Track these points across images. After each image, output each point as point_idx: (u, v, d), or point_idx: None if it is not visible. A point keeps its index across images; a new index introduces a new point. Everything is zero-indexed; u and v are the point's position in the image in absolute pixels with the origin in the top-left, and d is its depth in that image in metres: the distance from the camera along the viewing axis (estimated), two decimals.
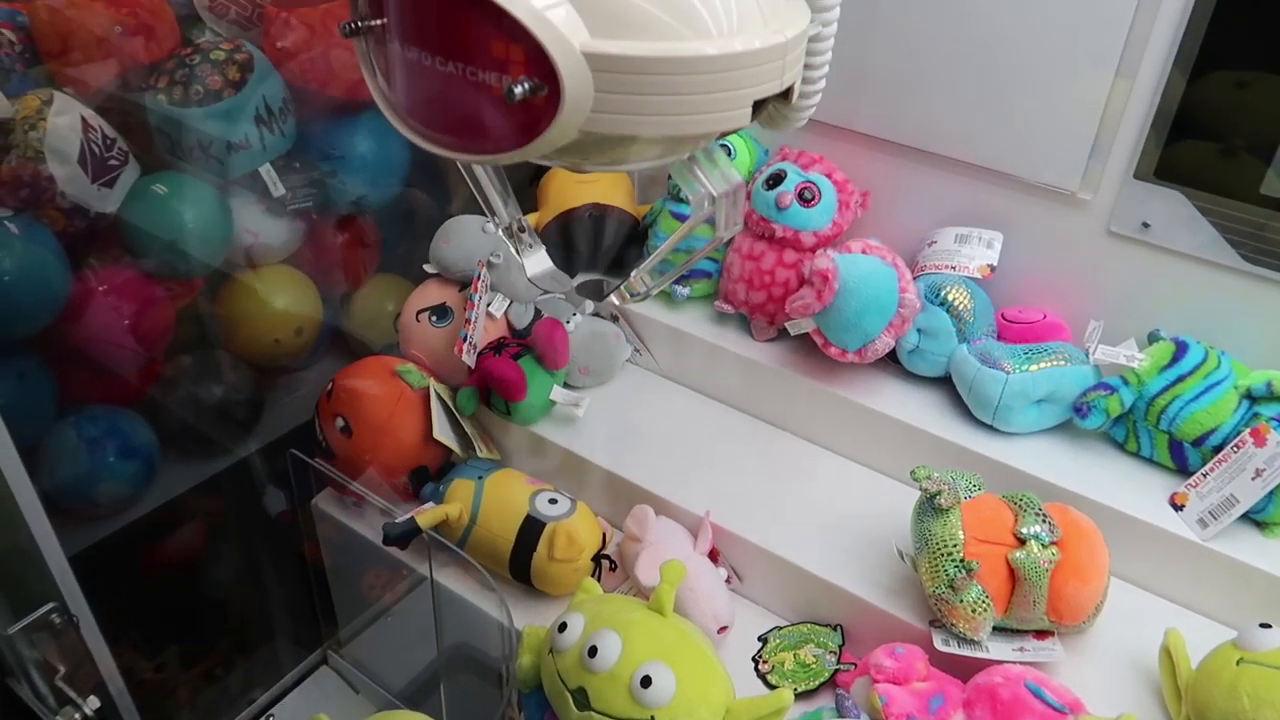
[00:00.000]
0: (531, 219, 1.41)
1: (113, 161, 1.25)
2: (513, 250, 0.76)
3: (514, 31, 0.48)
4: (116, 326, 1.29)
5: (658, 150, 0.58)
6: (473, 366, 1.26)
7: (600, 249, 1.39)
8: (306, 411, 1.36)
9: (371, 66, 0.59)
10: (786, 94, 0.58)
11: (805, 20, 0.58)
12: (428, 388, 1.28)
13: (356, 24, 0.56)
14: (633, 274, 0.74)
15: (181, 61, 1.28)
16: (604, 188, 1.38)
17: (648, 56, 0.50)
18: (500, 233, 0.75)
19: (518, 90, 0.48)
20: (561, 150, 0.53)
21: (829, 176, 1.26)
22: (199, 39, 1.38)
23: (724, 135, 0.59)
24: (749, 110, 0.55)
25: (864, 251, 1.16)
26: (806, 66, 0.60)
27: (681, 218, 1.33)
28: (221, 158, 1.30)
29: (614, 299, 0.76)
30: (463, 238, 1.34)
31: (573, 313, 1.35)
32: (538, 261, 0.77)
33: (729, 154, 1.36)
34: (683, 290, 1.35)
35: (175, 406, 1.37)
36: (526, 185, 1.50)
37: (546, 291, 1.38)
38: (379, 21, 0.55)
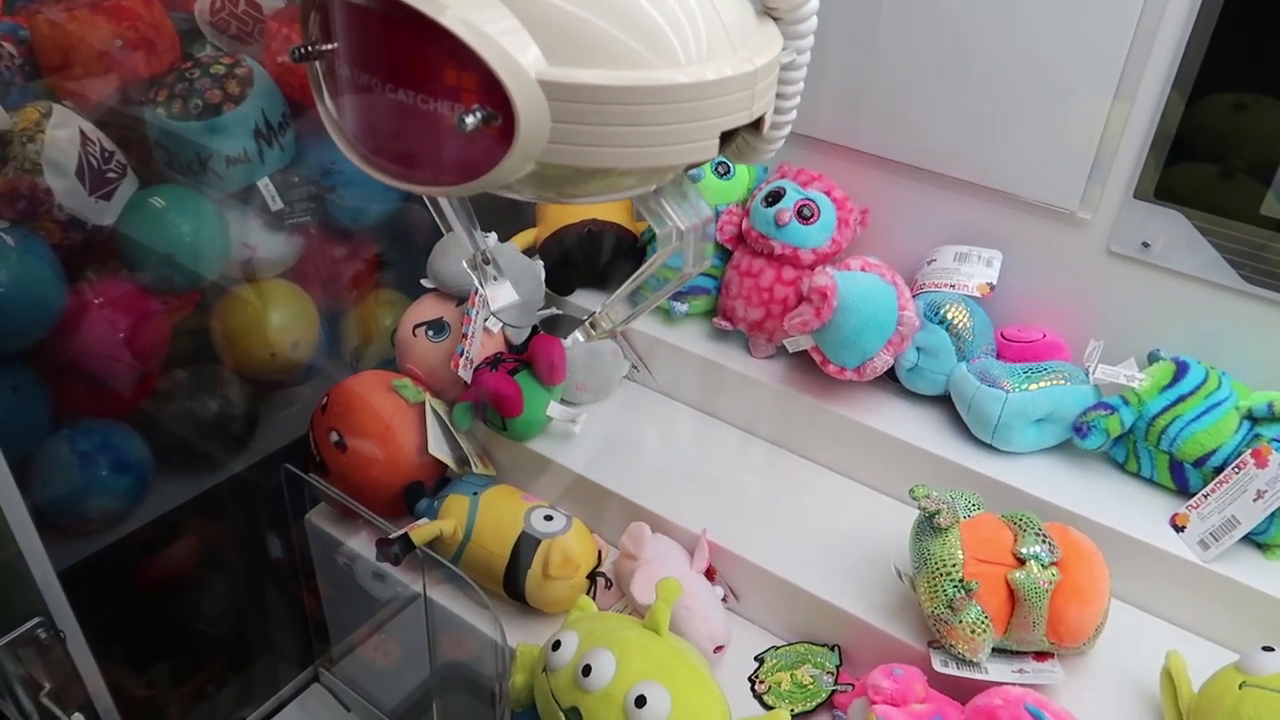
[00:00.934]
0: (529, 235, 1.41)
1: (111, 174, 1.24)
2: (476, 282, 0.73)
3: (465, 58, 0.45)
4: (112, 340, 1.28)
5: (623, 182, 0.55)
6: (469, 382, 1.25)
7: (597, 266, 1.39)
8: (302, 426, 1.36)
9: (321, 92, 0.57)
10: (757, 124, 0.56)
11: (777, 48, 0.55)
12: (423, 403, 1.27)
13: (308, 48, 0.53)
14: (598, 310, 0.71)
15: (181, 75, 1.28)
16: (602, 205, 1.38)
17: (608, 85, 0.48)
18: (464, 264, 0.73)
19: (469, 120, 0.46)
20: (520, 182, 0.51)
21: (828, 194, 1.26)
22: (199, 53, 1.38)
23: (690, 168, 0.57)
24: (716, 141, 0.52)
25: (863, 269, 1.16)
26: (778, 96, 0.57)
27: None
28: (220, 171, 1.30)
29: (579, 334, 0.73)
30: (460, 253, 1.33)
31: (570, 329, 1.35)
32: (503, 295, 0.74)
33: (728, 172, 1.36)
34: (681, 307, 1.35)
35: (170, 421, 1.37)
36: (526, 202, 1.50)
37: (546, 309, 1.39)
38: (330, 46, 0.53)
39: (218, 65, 1.30)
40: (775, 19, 0.57)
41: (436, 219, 0.68)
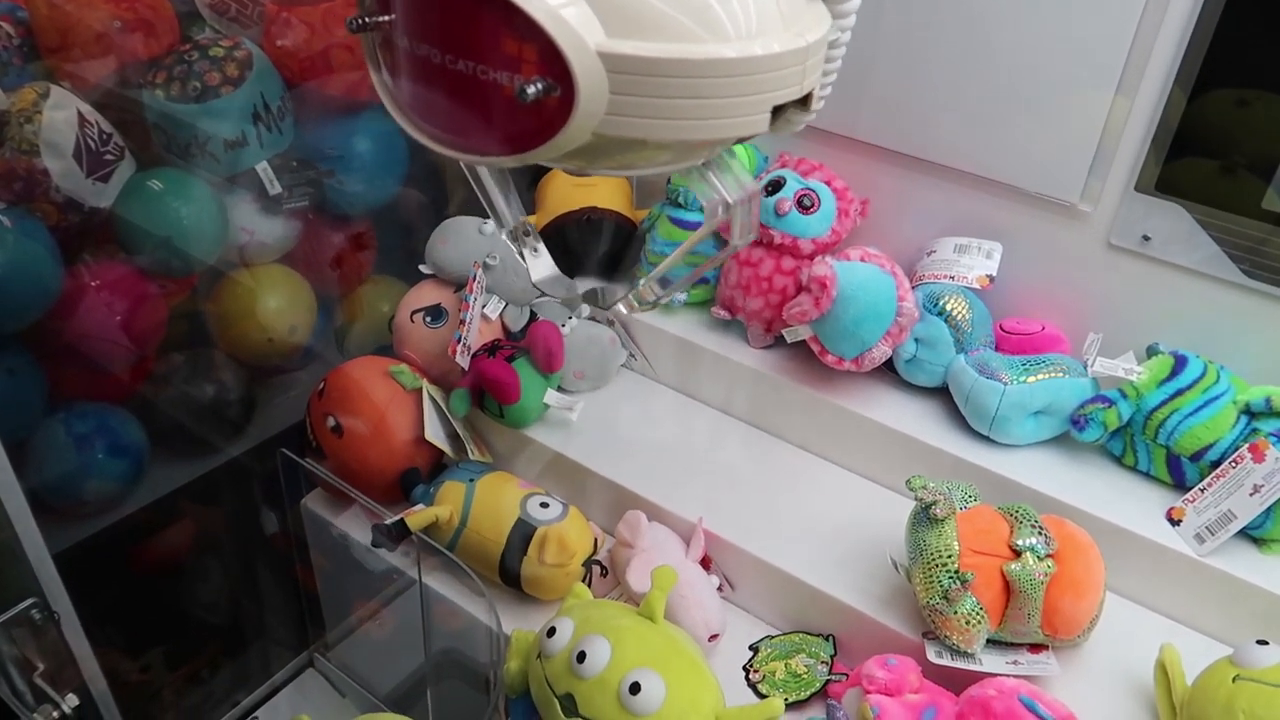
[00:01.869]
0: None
1: (108, 156, 1.24)
2: (516, 254, 0.74)
3: (527, 29, 0.46)
4: (108, 323, 1.28)
5: (670, 155, 0.56)
6: (466, 368, 1.25)
7: (597, 253, 1.39)
8: (298, 411, 1.35)
9: (377, 63, 0.57)
10: (804, 99, 0.56)
11: (826, 24, 0.56)
12: (421, 389, 1.27)
13: (363, 20, 0.54)
14: (641, 282, 0.72)
15: (180, 58, 1.27)
16: (602, 192, 1.38)
17: (667, 58, 0.48)
18: (504, 236, 0.73)
19: (530, 90, 0.47)
20: (570, 153, 0.52)
21: (828, 184, 1.25)
22: (199, 35, 1.37)
23: (741, 141, 0.57)
24: (768, 116, 0.53)
25: (862, 259, 1.15)
26: (823, 72, 0.58)
27: (680, 223, 1.32)
28: (218, 155, 1.29)
29: (621, 307, 0.74)
30: (459, 239, 1.33)
31: (568, 316, 1.34)
32: (542, 266, 0.75)
33: None
34: (680, 296, 1.35)
35: (166, 405, 1.36)
36: (526, 189, 1.50)
37: (544, 295, 1.38)
38: (386, 17, 0.53)
39: (216, 48, 1.29)
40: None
41: (476, 190, 0.68)
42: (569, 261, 1.40)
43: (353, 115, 1.42)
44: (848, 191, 1.26)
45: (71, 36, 1.26)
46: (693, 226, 1.32)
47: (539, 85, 0.47)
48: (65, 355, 1.26)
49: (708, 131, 0.52)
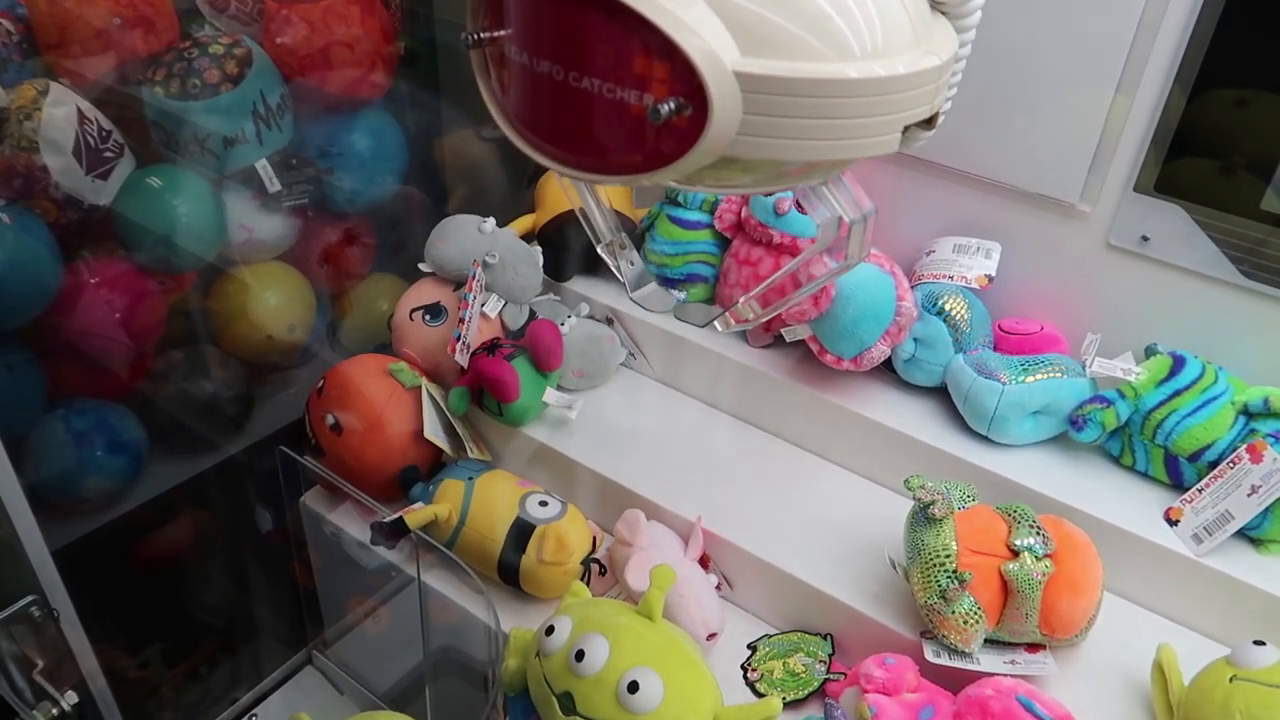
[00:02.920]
0: (527, 221, 1.41)
1: (108, 154, 1.24)
2: (614, 268, 0.72)
3: (661, 47, 0.45)
4: (108, 320, 1.28)
5: (793, 173, 0.54)
6: (466, 366, 1.25)
7: (595, 252, 1.39)
8: (297, 409, 1.35)
9: (487, 74, 0.56)
10: (930, 118, 0.55)
11: (954, 42, 0.55)
12: (420, 387, 1.27)
13: (477, 35, 0.53)
14: (740, 301, 0.70)
15: (180, 55, 1.27)
16: (602, 190, 1.37)
17: (804, 78, 0.47)
18: (601, 250, 0.72)
19: (664, 110, 0.45)
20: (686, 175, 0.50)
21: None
22: (198, 33, 1.37)
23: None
24: (898, 135, 0.52)
25: None
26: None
27: (679, 221, 1.32)
28: (218, 152, 1.29)
29: (718, 325, 0.72)
30: (459, 237, 1.33)
31: (568, 314, 1.34)
32: (638, 279, 0.74)
33: None
34: (678, 294, 1.35)
35: (165, 402, 1.36)
36: (525, 186, 1.50)
37: (544, 294, 1.38)
38: (501, 33, 0.52)
39: (216, 45, 1.29)
40: (943, 13, 0.57)
41: (575, 206, 0.67)
42: (568, 259, 1.40)
43: (352, 113, 1.42)
44: None
45: (71, 33, 1.26)
46: (692, 225, 1.32)
47: (672, 105, 0.45)
48: (64, 352, 1.26)
49: (837, 152, 0.50)
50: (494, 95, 0.56)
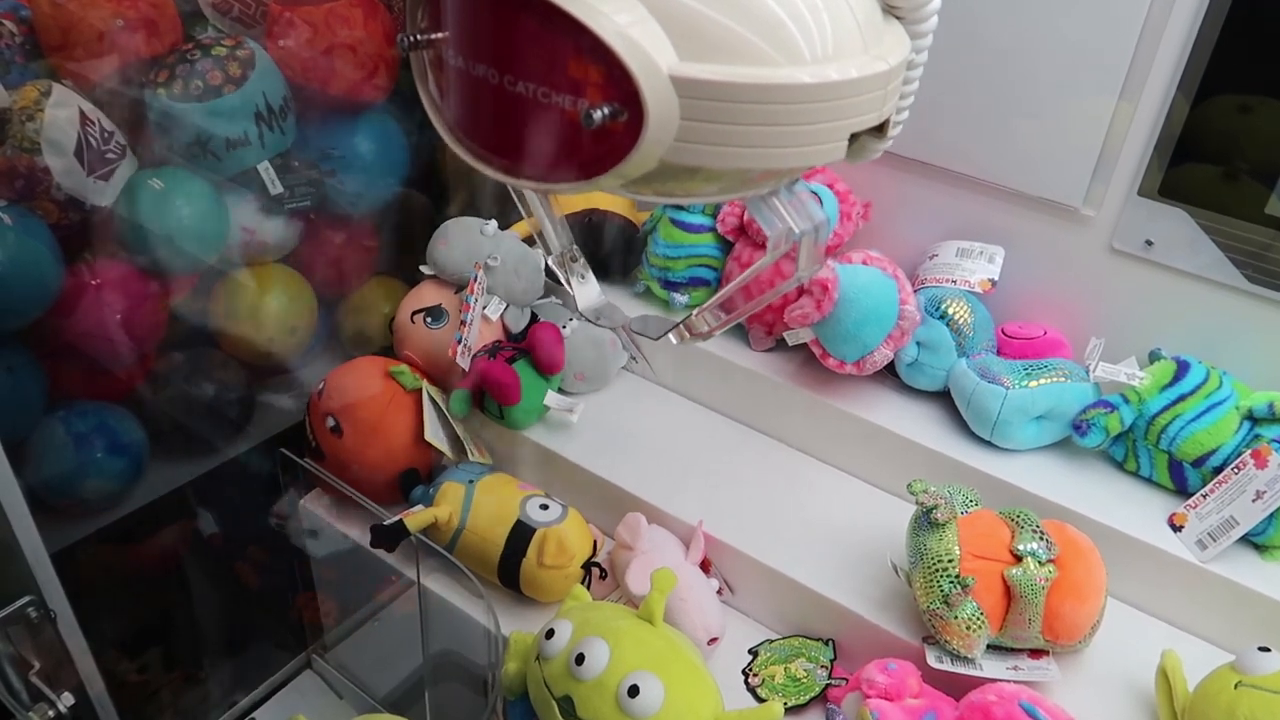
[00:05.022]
0: (529, 224, 1.40)
1: (110, 155, 1.24)
2: (563, 280, 0.71)
3: (594, 50, 0.43)
4: (109, 321, 1.27)
5: (738, 182, 0.53)
6: (467, 369, 1.25)
7: (598, 255, 1.39)
8: (298, 411, 1.35)
9: (426, 81, 0.55)
10: (880, 126, 0.53)
11: (906, 47, 0.53)
12: (421, 389, 1.27)
13: (415, 37, 0.52)
14: (694, 313, 0.69)
15: (183, 57, 1.27)
16: (604, 194, 1.37)
17: (743, 83, 0.45)
18: (551, 261, 0.71)
19: (596, 115, 0.44)
20: (630, 182, 0.49)
21: (831, 187, 1.25)
22: (201, 35, 1.37)
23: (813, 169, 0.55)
24: (845, 144, 0.50)
25: (864, 262, 1.15)
26: (900, 95, 0.55)
27: (682, 225, 1.32)
28: (220, 154, 1.29)
29: (673, 338, 0.70)
30: (460, 240, 1.33)
31: (569, 318, 1.34)
32: (589, 293, 0.72)
33: None
34: (680, 298, 1.34)
35: (166, 404, 1.36)
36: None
37: (546, 297, 1.38)
38: (439, 35, 0.51)
39: (219, 47, 1.29)
40: (898, 18, 0.55)
41: (522, 211, 0.66)
42: None
43: (354, 116, 1.42)
44: (850, 194, 1.26)
45: (74, 35, 1.25)
46: (695, 229, 1.32)
47: (605, 110, 0.44)
48: (65, 353, 1.25)
49: (781, 160, 0.49)
50: (433, 101, 0.55)
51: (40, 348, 1.23)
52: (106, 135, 1.24)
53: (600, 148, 0.47)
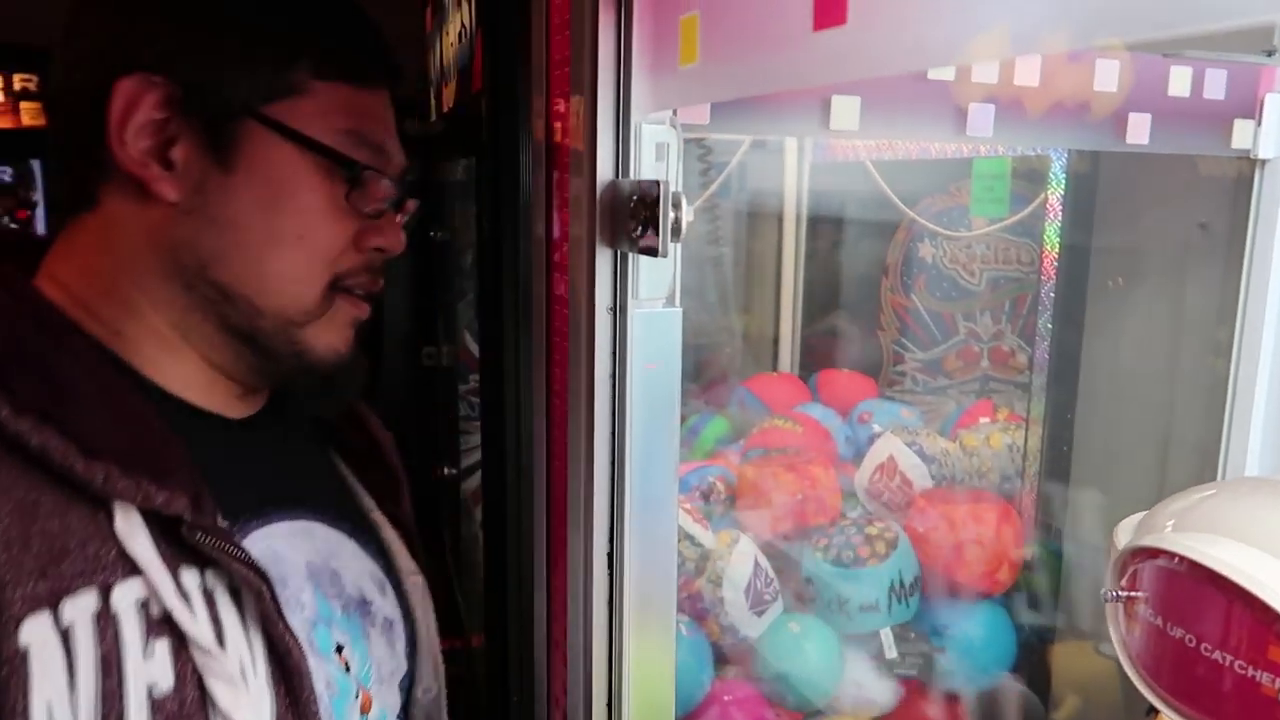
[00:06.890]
0: None
1: (767, 596, 1.51)
2: None
3: None
4: None
5: None
6: None
7: None
8: None
9: (1118, 624, 0.68)
10: None
11: None
12: None
13: (1116, 593, 0.66)
14: None
15: (841, 529, 1.55)
16: None
17: None
18: None
19: None
20: None
21: None
22: (851, 513, 1.66)
23: None
24: None
25: None
26: None
27: None
28: (852, 614, 1.49)
29: None
30: None
31: None
32: None
33: None
34: None
35: None
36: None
37: None
38: (1138, 594, 0.64)
39: (872, 527, 1.54)
40: None
41: None
42: None
43: (971, 602, 1.55)
44: None
45: (762, 500, 1.61)
46: None
47: None
48: None
49: None
50: (1122, 638, 0.65)
51: None
52: (768, 580, 1.52)
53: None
